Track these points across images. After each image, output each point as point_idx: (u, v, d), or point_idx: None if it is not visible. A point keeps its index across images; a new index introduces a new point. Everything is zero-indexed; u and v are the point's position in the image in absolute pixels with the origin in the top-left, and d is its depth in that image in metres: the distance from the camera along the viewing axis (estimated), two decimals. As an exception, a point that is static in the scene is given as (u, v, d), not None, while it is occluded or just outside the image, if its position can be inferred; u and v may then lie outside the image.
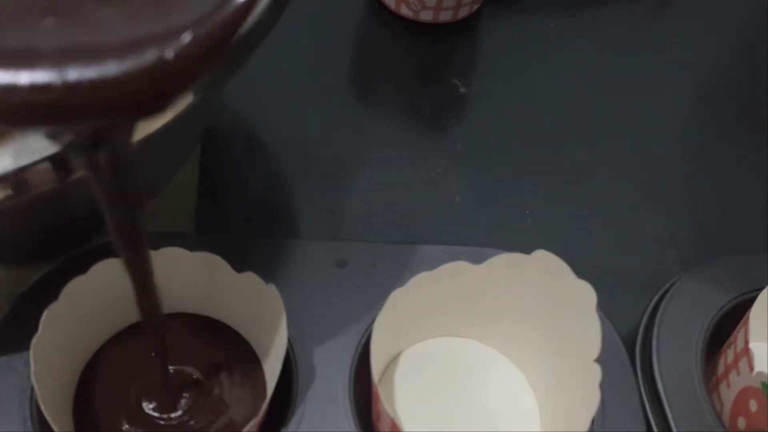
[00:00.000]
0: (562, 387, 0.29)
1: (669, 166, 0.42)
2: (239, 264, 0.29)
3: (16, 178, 0.22)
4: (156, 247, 0.28)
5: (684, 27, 0.50)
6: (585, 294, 0.27)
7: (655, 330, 0.32)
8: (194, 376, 0.29)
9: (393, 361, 0.32)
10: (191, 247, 0.29)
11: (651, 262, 0.38)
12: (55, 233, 0.34)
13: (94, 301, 0.29)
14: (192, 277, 0.29)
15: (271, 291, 0.27)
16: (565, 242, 0.33)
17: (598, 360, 0.27)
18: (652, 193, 0.41)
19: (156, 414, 0.28)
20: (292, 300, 0.28)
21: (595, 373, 0.27)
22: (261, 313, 0.28)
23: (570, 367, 0.29)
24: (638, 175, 0.42)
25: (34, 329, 0.26)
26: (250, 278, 0.28)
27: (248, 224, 0.38)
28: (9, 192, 0.24)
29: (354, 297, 0.31)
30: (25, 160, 0.21)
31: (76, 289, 0.27)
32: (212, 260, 0.29)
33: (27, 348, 0.28)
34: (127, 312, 0.30)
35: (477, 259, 0.30)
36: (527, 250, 0.29)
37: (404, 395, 0.31)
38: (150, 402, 0.29)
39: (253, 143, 0.41)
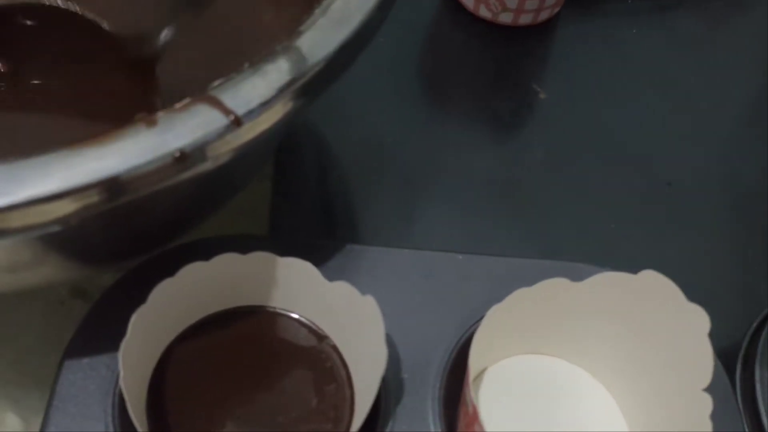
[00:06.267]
0: (663, 416, 0.28)
1: (763, 181, 0.40)
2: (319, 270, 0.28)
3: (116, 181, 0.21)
4: (243, 251, 0.28)
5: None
6: (696, 318, 0.26)
7: (758, 357, 0.30)
8: (283, 390, 0.28)
9: (478, 378, 0.31)
10: (269, 250, 0.28)
11: (744, 283, 0.36)
12: (133, 237, 0.33)
13: (176, 303, 0.28)
14: (280, 280, 0.28)
15: (369, 302, 0.26)
16: (652, 258, 0.31)
17: (708, 389, 0.25)
18: (743, 209, 0.39)
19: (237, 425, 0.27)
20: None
21: (706, 403, 0.25)
22: (356, 326, 0.27)
23: (674, 395, 0.27)
24: (729, 190, 0.40)
25: (114, 330, 0.26)
26: (344, 288, 0.27)
27: (322, 229, 0.37)
28: (104, 196, 0.24)
29: (441, 310, 0.30)
30: (133, 161, 0.21)
31: (164, 291, 0.26)
32: (300, 266, 0.27)
33: (108, 350, 0.28)
34: (196, 311, 0.30)
35: (569, 275, 0.28)
36: (615, 265, 0.28)
37: (490, 413, 0.30)
38: (231, 410, 0.28)
39: (328, 147, 0.40)
